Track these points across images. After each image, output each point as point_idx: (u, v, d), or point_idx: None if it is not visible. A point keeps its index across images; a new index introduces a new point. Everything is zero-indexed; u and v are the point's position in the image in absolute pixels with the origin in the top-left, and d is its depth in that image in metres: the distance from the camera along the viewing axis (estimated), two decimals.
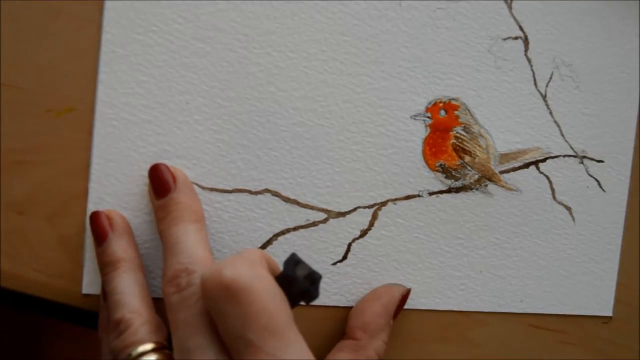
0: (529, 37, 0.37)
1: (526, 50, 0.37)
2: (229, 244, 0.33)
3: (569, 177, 0.38)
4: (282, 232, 0.34)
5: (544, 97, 0.37)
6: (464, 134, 0.36)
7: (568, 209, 0.38)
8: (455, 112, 0.36)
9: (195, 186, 0.32)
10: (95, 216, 0.30)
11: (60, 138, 0.30)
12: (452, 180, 0.36)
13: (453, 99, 0.36)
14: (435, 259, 0.36)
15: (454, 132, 0.36)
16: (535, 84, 0.37)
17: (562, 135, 0.38)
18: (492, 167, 0.37)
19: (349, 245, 0.35)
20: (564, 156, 0.38)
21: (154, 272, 0.32)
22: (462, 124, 0.36)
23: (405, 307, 0.35)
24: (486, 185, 0.37)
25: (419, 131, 0.35)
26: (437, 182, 0.36)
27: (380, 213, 0.35)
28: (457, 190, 0.36)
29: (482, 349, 0.38)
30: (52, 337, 0.46)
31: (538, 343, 0.39)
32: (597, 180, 0.39)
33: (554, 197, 0.38)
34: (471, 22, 0.35)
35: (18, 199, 0.30)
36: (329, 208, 0.34)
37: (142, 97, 0.31)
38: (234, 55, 0.32)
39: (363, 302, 0.34)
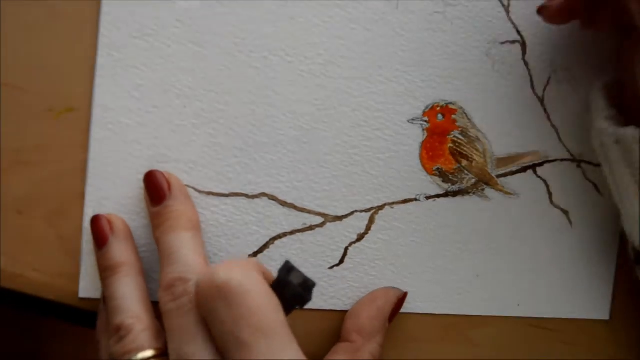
0: (527, 41, 0.36)
1: (524, 54, 0.36)
2: (226, 248, 0.33)
3: (567, 181, 0.38)
4: (279, 236, 0.34)
5: (542, 101, 0.37)
6: (462, 138, 0.36)
7: (565, 212, 0.38)
8: (453, 116, 0.36)
9: (192, 190, 0.32)
10: (96, 220, 0.30)
11: (60, 138, 0.30)
12: (450, 184, 0.36)
13: (450, 102, 0.36)
14: (433, 262, 0.36)
15: (452, 136, 0.36)
16: (532, 88, 0.37)
17: (560, 139, 0.38)
18: (490, 171, 0.37)
19: (346, 249, 0.35)
20: (562, 160, 0.38)
21: (151, 276, 0.32)
22: (460, 127, 0.36)
23: (402, 311, 0.35)
24: (483, 190, 0.37)
25: (416, 135, 0.35)
26: (434, 186, 0.36)
27: (377, 217, 0.35)
28: (455, 194, 0.36)
29: (482, 349, 0.38)
30: (52, 337, 0.46)
31: (538, 343, 0.39)
32: (594, 184, 0.39)
33: (551, 201, 0.38)
34: (468, 25, 0.35)
35: (18, 199, 0.30)
36: (326, 212, 0.34)
37: (139, 101, 0.31)
38: (230, 58, 0.32)
39: (359, 305, 0.34)
